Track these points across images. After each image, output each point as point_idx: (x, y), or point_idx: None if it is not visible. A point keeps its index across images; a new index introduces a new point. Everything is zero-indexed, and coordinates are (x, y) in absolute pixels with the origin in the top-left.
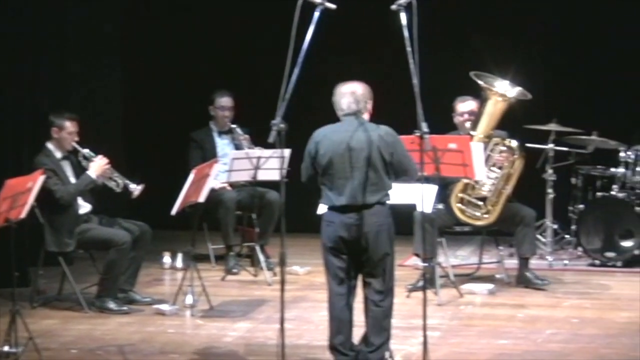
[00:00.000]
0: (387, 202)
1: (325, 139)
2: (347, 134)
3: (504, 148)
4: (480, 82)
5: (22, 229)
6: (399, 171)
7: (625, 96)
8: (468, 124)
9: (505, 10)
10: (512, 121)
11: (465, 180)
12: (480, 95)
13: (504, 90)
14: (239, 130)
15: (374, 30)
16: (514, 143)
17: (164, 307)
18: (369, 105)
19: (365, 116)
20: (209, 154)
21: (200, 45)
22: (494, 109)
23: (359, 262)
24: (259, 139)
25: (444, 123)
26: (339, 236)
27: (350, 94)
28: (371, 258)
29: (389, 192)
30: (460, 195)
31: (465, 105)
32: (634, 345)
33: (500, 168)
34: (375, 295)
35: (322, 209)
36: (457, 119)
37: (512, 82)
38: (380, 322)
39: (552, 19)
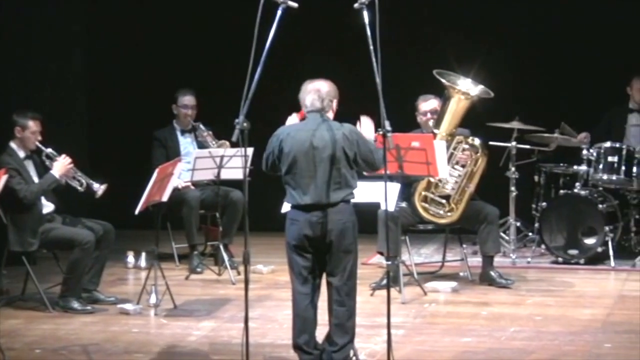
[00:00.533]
0: (352, 200)
1: (289, 137)
2: (310, 133)
3: (467, 146)
4: (443, 80)
5: None
6: (365, 166)
7: (587, 94)
8: (431, 123)
9: (468, 9)
10: (475, 119)
11: (429, 179)
12: (443, 93)
13: (466, 89)
14: (202, 127)
15: (337, 29)
16: (476, 141)
17: (128, 306)
18: (334, 104)
19: (330, 114)
20: (172, 153)
21: (165, 44)
22: (456, 107)
23: (323, 260)
24: (222, 138)
25: (407, 121)
26: (303, 234)
27: (315, 92)
28: (335, 256)
29: (354, 190)
30: (424, 193)
31: (427, 104)
32: (596, 342)
33: (463, 166)
34: (339, 295)
35: (286, 207)
36: (420, 118)
37: (474, 80)
38: (344, 322)
39: (515, 17)
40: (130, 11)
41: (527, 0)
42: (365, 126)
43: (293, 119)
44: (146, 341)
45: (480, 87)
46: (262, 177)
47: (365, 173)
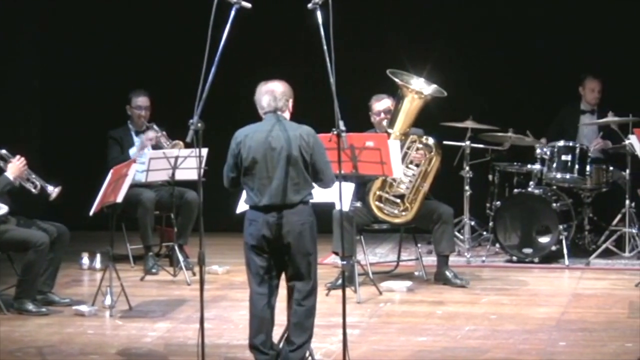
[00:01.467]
0: (310, 201)
1: (247, 138)
2: (267, 133)
3: (421, 145)
4: (396, 80)
5: None
6: (316, 176)
7: (540, 93)
8: (385, 122)
9: (421, 9)
10: (429, 119)
11: (383, 178)
12: (396, 93)
13: (420, 88)
14: (155, 127)
15: (291, 29)
16: (430, 140)
17: (83, 308)
18: (290, 104)
19: (286, 115)
20: (127, 153)
21: (118, 44)
22: (410, 106)
23: (281, 261)
24: (177, 139)
25: (361, 121)
26: (262, 235)
27: (270, 93)
28: (294, 257)
29: (312, 190)
30: (378, 193)
31: (381, 104)
32: (551, 340)
33: (417, 165)
34: (299, 295)
35: (241, 207)
36: (374, 118)
37: (427, 79)
38: (303, 321)
39: (467, 17)
40: (84, 11)
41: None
42: None
43: None
44: (102, 342)
45: (434, 86)
46: (216, 177)
47: (317, 184)
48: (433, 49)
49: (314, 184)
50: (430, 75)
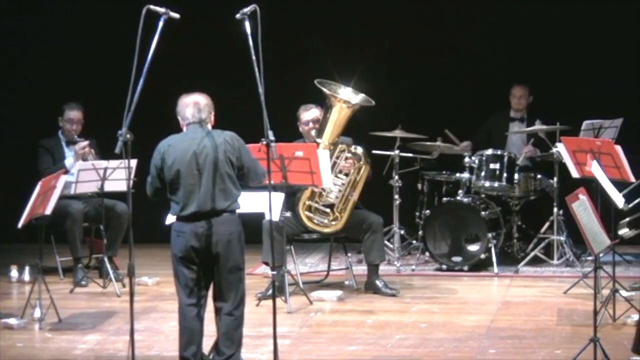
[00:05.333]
0: (237, 210)
1: (171, 148)
2: (192, 142)
3: (350, 155)
4: (324, 89)
5: None
6: (249, 175)
7: (468, 103)
8: (313, 132)
9: (349, 19)
10: (358, 128)
11: (312, 188)
12: (324, 102)
13: (348, 97)
14: (81, 142)
15: (220, 39)
16: (359, 149)
17: (12, 321)
18: (212, 116)
19: (209, 127)
20: (58, 163)
21: (49, 54)
22: (338, 115)
23: (210, 271)
24: (106, 150)
25: (290, 131)
26: (190, 246)
27: (194, 104)
28: (223, 267)
29: (238, 199)
30: (308, 203)
31: (309, 114)
32: (481, 348)
33: (346, 175)
34: (227, 305)
35: (170, 219)
36: (302, 128)
37: (355, 89)
38: (232, 332)
39: (395, 26)
40: (15, 20)
41: (407, 9)
42: None
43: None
44: (31, 355)
45: (361, 95)
46: (145, 188)
47: (251, 184)
48: (361, 59)
49: (241, 193)
50: (358, 84)
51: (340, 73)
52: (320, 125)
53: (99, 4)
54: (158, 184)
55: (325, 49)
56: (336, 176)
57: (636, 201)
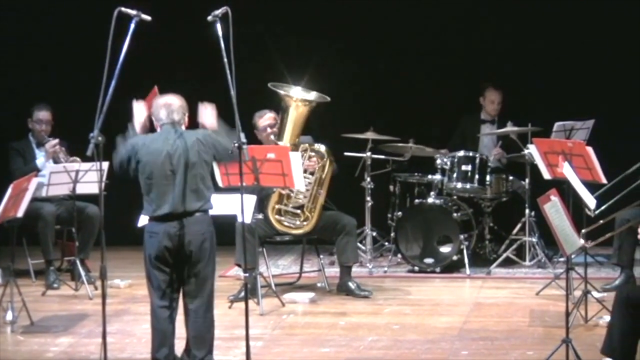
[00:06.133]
0: (210, 210)
1: (145, 147)
2: (165, 143)
3: (313, 153)
4: (279, 91)
5: None
6: (224, 153)
7: (440, 104)
8: (272, 137)
9: (318, 21)
10: (330, 130)
11: (279, 191)
12: (280, 106)
13: (301, 96)
14: (51, 141)
15: (192, 42)
16: (321, 147)
17: None
18: (186, 118)
19: (183, 128)
20: (34, 163)
21: (19, 55)
22: (296, 115)
23: (182, 273)
24: (78, 152)
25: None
26: (163, 246)
27: (168, 106)
28: (194, 268)
29: (211, 200)
30: (277, 206)
31: (265, 119)
32: (453, 349)
33: (312, 174)
34: (199, 307)
35: (142, 221)
36: (260, 135)
37: (306, 88)
38: (203, 334)
39: (367, 29)
40: None
41: (379, 11)
42: (205, 113)
43: (140, 109)
44: (3, 358)
45: (314, 92)
46: (118, 191)
47: (222, 184)
48: (332, 61)
49: (213, 192)
50: (330, 86)
51: (310, 76)
52: (279, 128)
53: (71, 5)
54: (125, 162)
55: (294, 51)
56: (303, 176)
57: (601, 208)
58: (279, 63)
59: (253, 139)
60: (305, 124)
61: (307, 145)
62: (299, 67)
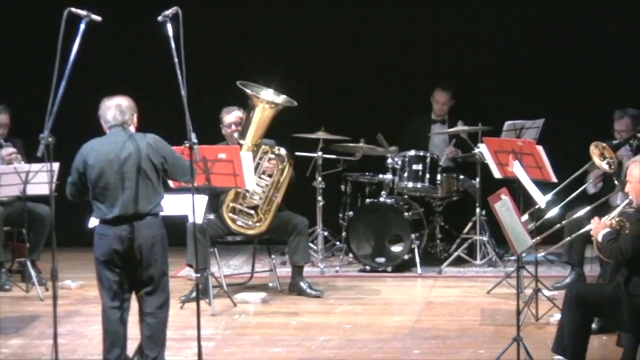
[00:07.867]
0: (160, 213)
1: (93, 151)
2: (115, 145)
3: (273, 156)
4: (247, 90)
5: None
6: (177, 172)
7: (391, 103)
8: (236, 134)
9: (270, 21)
10: (281, 130)
11: (236, 190)
12: (247, 104)
13: (270, 98)
14: (8, 149)
15: (142, 42)
16: (282, 151)
17: None
18: (135, 118)
19: (132, 129)
20: None
21: None
22: (261, 116)
23: (134, 275)
24: (30, 152)
25: (213, 134)
26: (113, 249)
27: (116, 107)
28: (146, 271)
29: (161, 202)
30: (232, 205)
31: (231, 116)
32: (405, 348)
33: (270, 176)
34: (151, 308)
35: (93, 222)
36: (225, 130)
37: (277, 91)
38: (156, 334)
39: (318, 30)
40: None
41: (328, 10)
42: None
43: None
44: None
45: (283, 96)
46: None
47: (173, 184)
48: (283, 61)
49: (163, 195)
50: (280, 86)
51: (263, 76)
52: (243, 127)
53: (22, 4)
54: (79, 186)
55: (247, 52)
56: (260, 177)
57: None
58: (249, 64)
59: (218, 134)
60: (270, 126)
61: (268, 147)
62: (250, 67)
